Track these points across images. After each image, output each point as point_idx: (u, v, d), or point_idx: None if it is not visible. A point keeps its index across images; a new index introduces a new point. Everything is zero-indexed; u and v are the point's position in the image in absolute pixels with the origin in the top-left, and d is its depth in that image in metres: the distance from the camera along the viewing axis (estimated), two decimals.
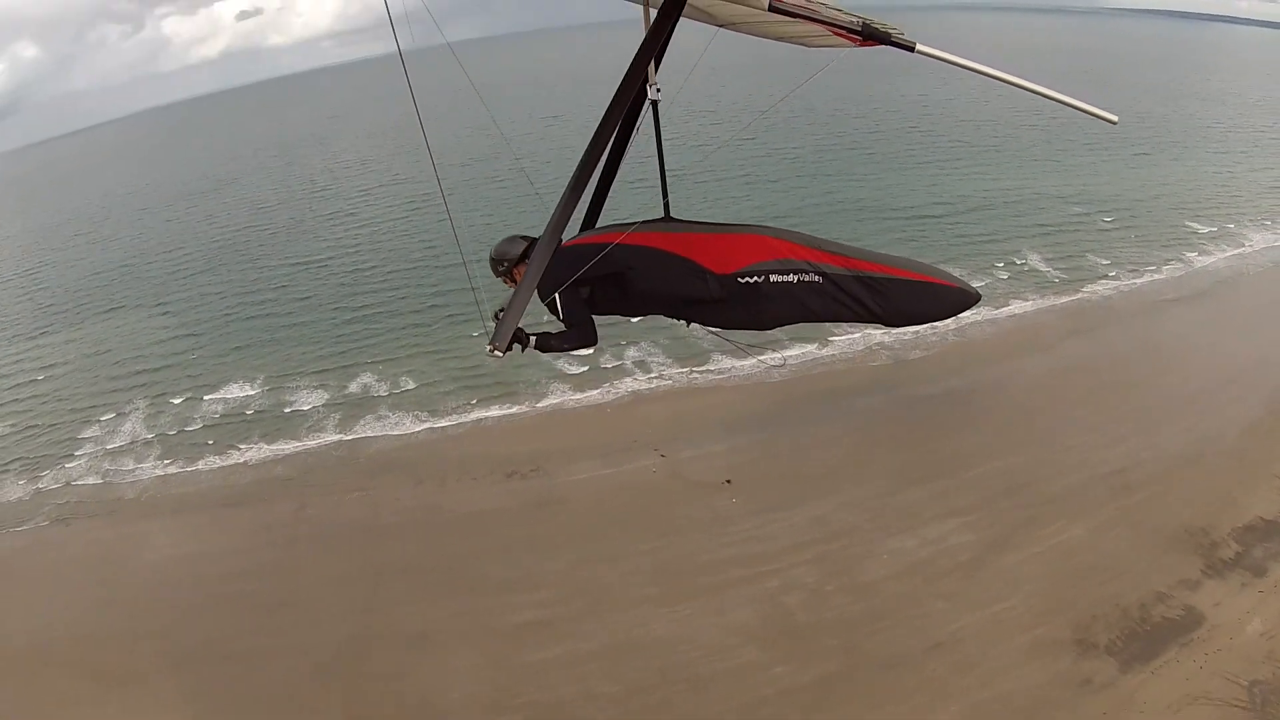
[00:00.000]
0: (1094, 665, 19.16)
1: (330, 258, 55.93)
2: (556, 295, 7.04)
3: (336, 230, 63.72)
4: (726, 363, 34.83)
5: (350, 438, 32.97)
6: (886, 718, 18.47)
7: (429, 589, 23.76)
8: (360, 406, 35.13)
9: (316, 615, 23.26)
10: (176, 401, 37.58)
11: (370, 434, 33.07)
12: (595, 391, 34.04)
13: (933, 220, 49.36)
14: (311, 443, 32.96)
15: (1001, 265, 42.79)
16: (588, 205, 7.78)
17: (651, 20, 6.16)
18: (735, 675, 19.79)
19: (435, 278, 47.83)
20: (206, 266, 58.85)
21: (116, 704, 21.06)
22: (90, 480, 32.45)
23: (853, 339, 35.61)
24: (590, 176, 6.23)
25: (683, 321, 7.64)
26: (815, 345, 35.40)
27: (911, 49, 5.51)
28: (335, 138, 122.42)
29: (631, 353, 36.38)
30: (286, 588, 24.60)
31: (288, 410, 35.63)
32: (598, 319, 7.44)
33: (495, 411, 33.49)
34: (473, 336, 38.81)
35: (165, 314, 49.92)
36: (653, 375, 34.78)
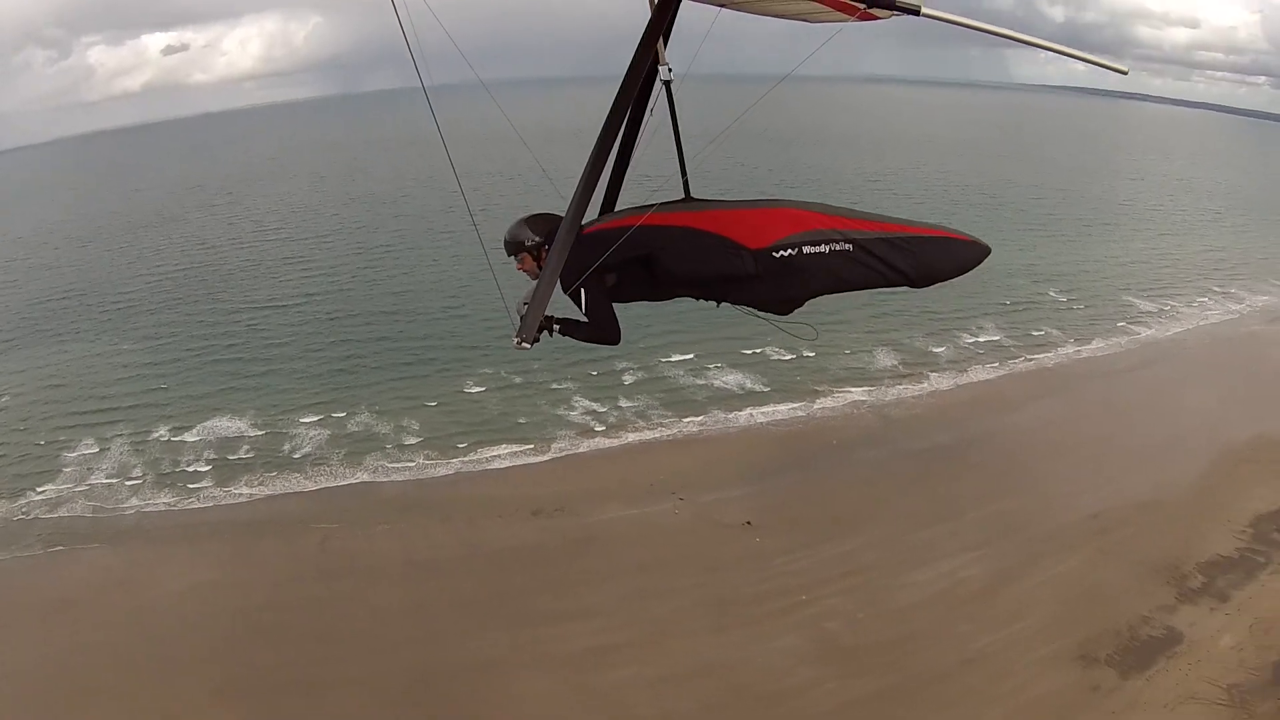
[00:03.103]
0: (1100, 674, 23.73)
1: (298, 303, 58.16)
2: (581, 286, 7.14)
3: (298, 275, 65.88)
4: (720, 413, 39.68)
5: (362, 476, 35.54)
6: None
7: (481, 620, 26.32)
8: (364, 445, 37.62)
9: (369, 647, 25.21)
10: (160, 435, 39.25)
11: (382, 473, 35.71)
12: (602, 438, 37.87)
13: (896, 295, 54.53)
14: (321, 478, 35.42)
15: (965, 335, 49.20)
16: (605, 189, 7.84)
17: (656, 0, 6.33)
18: (798, 692, 23.39)
19: (419, 328, 51.23)
20: (162, 303, 60.38)
21: None
22: (79, 508, 33.90)
23: (834, 397, 41.12)
24: (605, 160, 6.54)
25: (712, 302, 7.67)
26: (803, 402, 40.69)
27: (917, 12, 5.61)
28: (277, 181, 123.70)
29: (627, 403, 40.57)
30: (328, 619, 26.49)
31: (286, 447, 37.90)
32: (622, 309, 7.60)
33: (504, 452, 36.80)
34: (469, 393, 42.50)
35: (127, 348, 51.25)
36: (655, 425, 38.89)
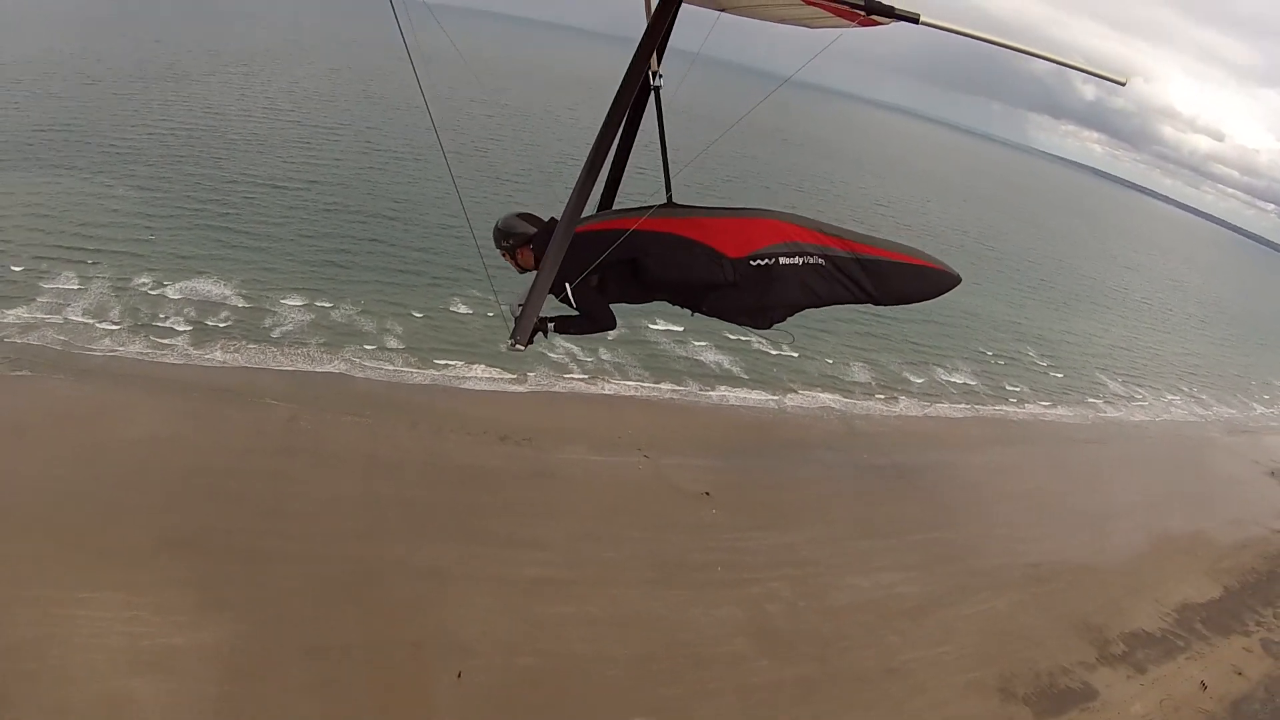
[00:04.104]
0: (1015, 710, 25.06)
1: (298, 188, 58.08)
2: (568, 286, 7.32)
3: (302, 160, 65.70)
4: (695, 386, 40.94)
5: (338, 366, 36.02)
6: None
7: (434, 528, 26.86)
8: (345, 338, 38.11)
9: (321, 530, 25.63)
10: (142, 284, 39.33)
11: (357, 368, 36.23)
12: (578, 382, 38.84)
13: (889, 320, 56.22)
14: (298, 360, 35.84)
15: (940, 372, 51.00)
16: (602, 190, 8.04)
17: (653, 6, 6.45)
18: (729, 661, 24.38)
19: (415, 238, 51.50)
20: (162, 157, 59.91)
21: (104, 575, 22.45)
22: (49, 338, 33.87)
23: (807, 397, 42.58)
24: (602, 163, 6.64)
25: (688, 310, 7.91)
26: (775, 395, 42.10)
27: (916, 20, 5.74)
28: (294, 64, 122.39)
29: (608, 356, 41.47)
30: (285, 496, 26.83)
31: (267, 322, 38.23)
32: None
33: (481, 374, 37.58)
34: (456, 310, 43.12)
35: (119, 192, 50.98)
36: (630, 382, 39.97)
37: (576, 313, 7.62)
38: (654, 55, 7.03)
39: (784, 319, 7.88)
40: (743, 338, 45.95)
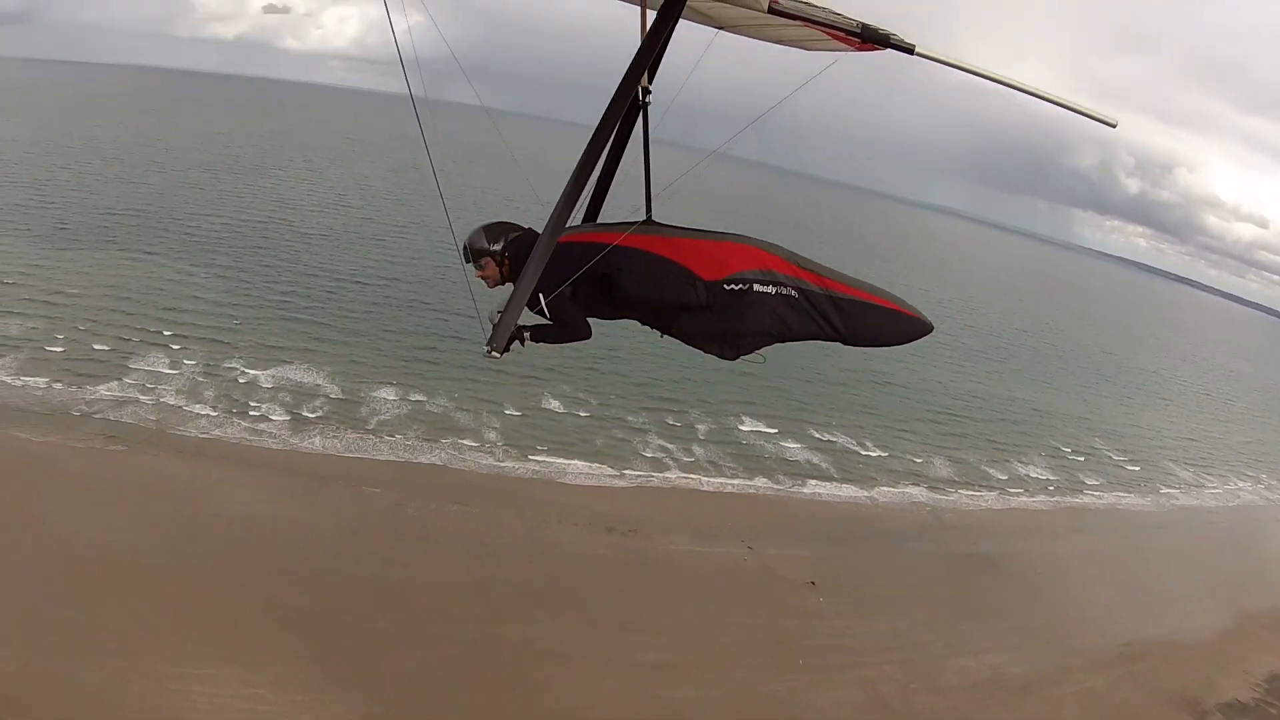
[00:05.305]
0: None
1: (380, 283, 61.21)
2: (542, 298, 7.22)
3: (382, 256, 69.39)
4: (788, 482, 42.60)
5: (439, 456, 37.71)
6: None
7: (549, 613, 28.15)
8: (443, 430, 39.90)
9: (436, 612, 26.88)
10: (231, 367, 41.81)
11: (458, 460, 37.85)
12: (676, 476, 40.63)
13: (966, 420, 59.47)
14: (398, 450, 37.60)
15: (1019, 466, 52.90)
16: (588, 202, 7.98)
17: (649, 22, 6.41)
18: None
19: None
20: (240, 246, 63.43)
21: (218, 649, 23.16)
22: (144, 415, 35.90)
23: (895, 491, 44.26)
24: (589, 174, 6.57)
25: (658, 331, 7.86)
26: (864, 489, 43.79)
27: (911, 51, 5.85)
28: (357, 161, 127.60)
29: (702, 453, 43.34)
30: (397, 578, 28.14)
31: (363, 411, 40.31)
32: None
33: (581, 468, 39.33)
34: (549, 408, 45.10)
35: (199, 279, 54.28)
36: (727, 476, 41.76)
37: (551, 323, 7.54)
38: (646, 73, 6.99)
39: (751, 350, 7.78)
40: (829, 437, 48.42)
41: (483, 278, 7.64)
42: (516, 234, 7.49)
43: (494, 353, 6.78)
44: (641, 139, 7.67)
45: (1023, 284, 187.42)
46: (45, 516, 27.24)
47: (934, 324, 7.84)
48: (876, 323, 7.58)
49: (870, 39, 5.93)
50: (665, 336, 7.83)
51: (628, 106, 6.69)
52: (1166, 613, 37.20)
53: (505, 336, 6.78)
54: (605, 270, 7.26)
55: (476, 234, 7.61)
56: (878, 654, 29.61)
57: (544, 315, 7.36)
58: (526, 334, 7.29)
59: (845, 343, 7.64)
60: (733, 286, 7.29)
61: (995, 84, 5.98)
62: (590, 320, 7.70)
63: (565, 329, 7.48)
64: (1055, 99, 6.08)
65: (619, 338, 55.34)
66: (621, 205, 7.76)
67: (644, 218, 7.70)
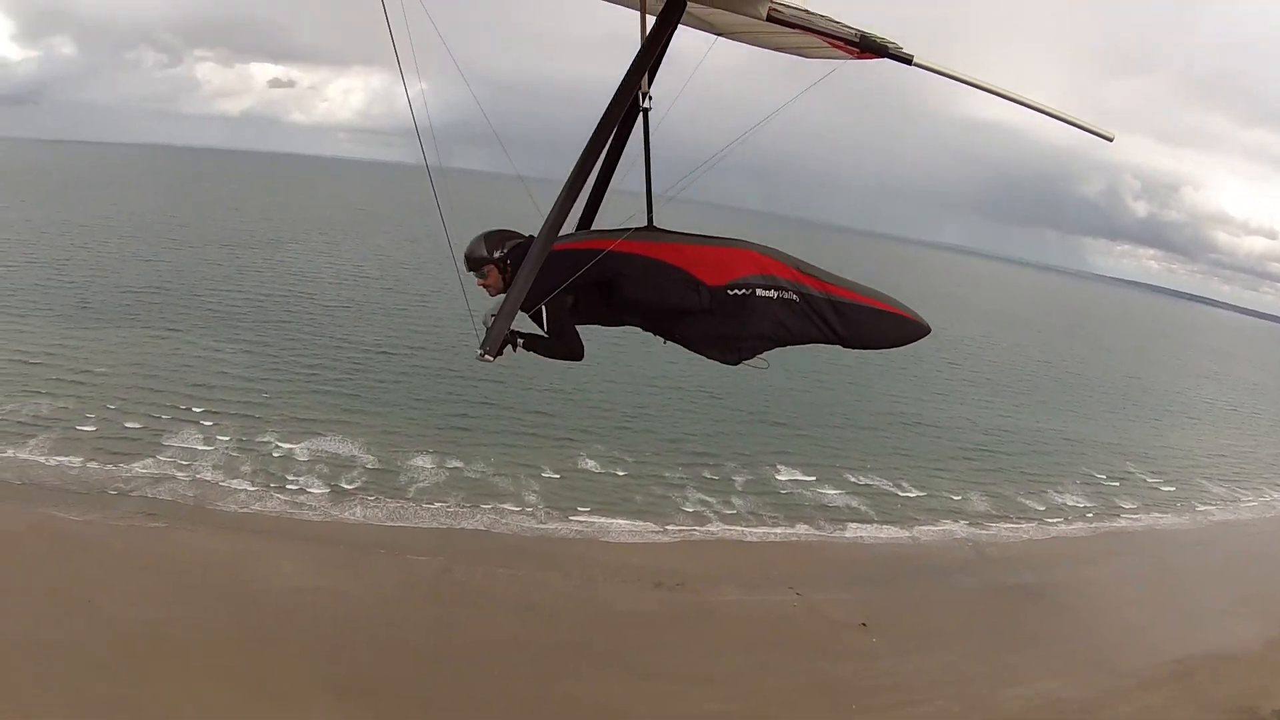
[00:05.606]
0: None
1: (405, 352, 62.25)
2: (543, 304, 7.25)
3: (405, 325, 70.45)
4: (829, 527, 43.10)
5: (480, 521, 38.09)
6: None
7: (600, 669, 28.35)
8: (483, 495, 40.28)
9: (486, 674, 26.99)
10: (265, 441, 42.41)
11: (500, 524, 38.20)
12: (718, 528, 41.08)
13: (1000, 454, 60.03)
14: (440, 515, 38.06)
15: (1054, 495, 53.17)
16: (583, 208, 7.94)
17: (649, 27, 6.48)
18: None
19: (530, 402, 53.95)
20: (263, 320, 64.78)
21: (262, 717, 23.60)
22: (181, 491, 36.39)
23: (935, 529, 44.85)
24: (585, 180, 6.57)
25: (660, 337, 7.90)
26: (904, 528, 44.43)
27: (909, 61, 5.91)
28: (371, 232, 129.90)
29: (741, 504, 43.82)
30: (447, 643, 28.33)
31: (402, 479, 40.71)
32: (581, 328, 7.78)
33: (624, 525, 39.69)
34: (586, 468, 45.57)
35: (225, 355, 55.35)
36: (768, 524, 42.22)
37: (546, 334, 7.57)
38: (646, 76, 7.03)
39: (752, 354, 7.83)
40: (866, 481, 48.98)
41: (485, 286, 7.68)
42: (517, 241, 7.53)
43: (486, 356, 6.85)
44: (643, 145, 7.76)
45: (1039, 316, 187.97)
46: (89, 594, 27.51)
47: (930, 326, 8.00)
48: (875, 325, 7.71)
49: (869, 48, 6.04)
50: (668, 343, 7.93)
51: (625, 111, 6.75)
52: (1213, 627, 37.35)
53: (498, 340, 6.86)
54: (608, 277, 7.33)
55: (477, 242, 7.68)
56: (932, 689, 29.84)
57: (541, 324, 7.43)
58: (520, 340, 7.38)
59: (844, 345, 7.78)
60: (736, 291, 7.37)
61: (992, 95, 6.03)
62: (599, 326, 7.91)
63: (558, 342, 7.55)
64: (1051, 111, 6.13)
65: (647, 395, 57.14)
66: (623, 213, 7.79)
67: (645, 224, 7.85)
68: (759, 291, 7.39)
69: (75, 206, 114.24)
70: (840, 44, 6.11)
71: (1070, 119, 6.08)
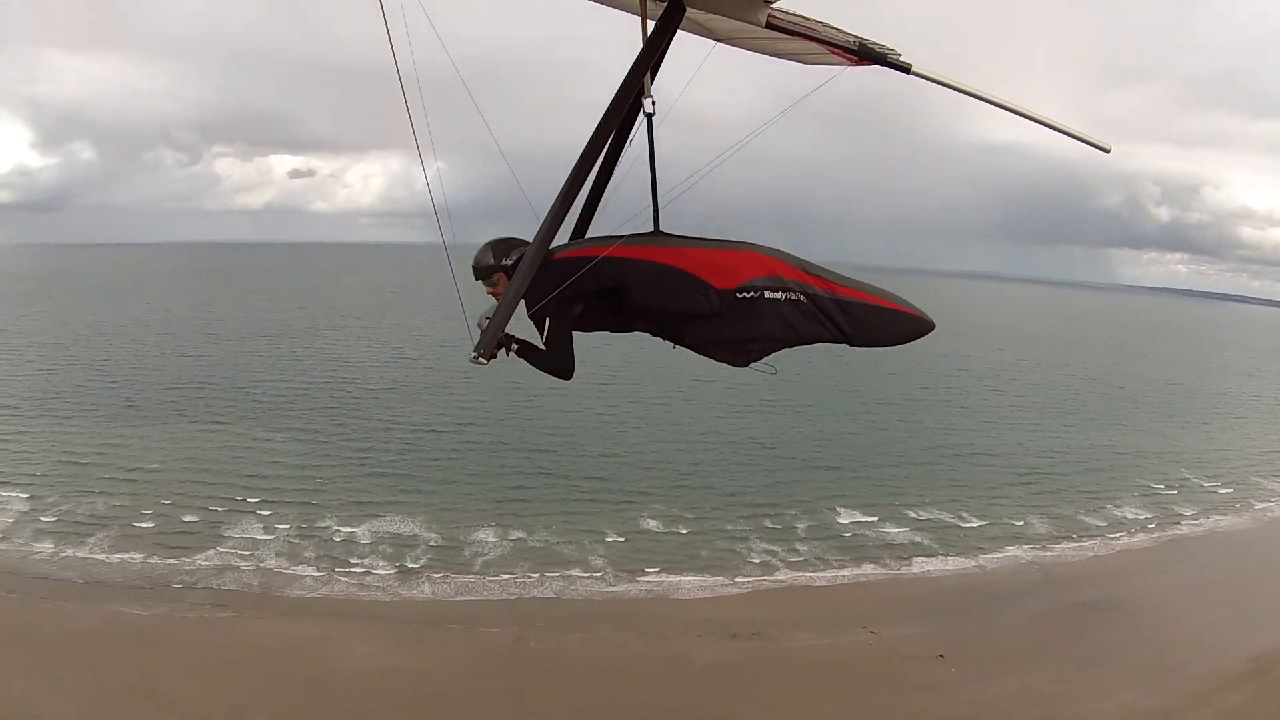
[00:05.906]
0: None
1: (453, 429, 63.20)
2: (545, 311, 7.40)
3: (450, 402, 71.61)
4: (895, 564, 43.58)
5: (550, 589, 38.55)
6: None
7: None
8: (549, 563, 40.82)
9: None
10: (325, 525, 43.17)
11: (570, 590, 38.70)
12: (786, 575, 41.53)
13: (1057, 476, 60.52)
14: (509, 586, 38.53)
15: (1113, 509, 53.56)
16: (578, 216, 8.01)
17: (649, 32, 6.59)
18: None
19: (583, 468, 55.06)
20: (309, 408, 66.31)
21: None
22: (246, 580, 37.09)
23: (1000, 555, 45.31)
24: (581, 186, 6.70)
25: (669, 342, 7.98)
26: (969, 557, 44.87)
27: (907, 70, 5.93)
28: (406, 313, 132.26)
29: (806, 549, 44.34)
30: (527, 712, 28.45)
31: (467, 553, 41.27)
32: (588, 335, 7.91)
33: (693, 580, 40.15)
34: (649, 528, 46.34)
35: (276, 444, 56.54)
36: (834, 567, 42.68)
37: (543, 346, 7.63)
38: (649, 83, 7.11)
39: (761, 356, 7.91)
40: (926, 515, 49.61)
41: (494, 294, 7.71)
42: (524, 248, 7.45)
43: (480, 358, 6.97)
44: (648, 150, 7.73)
45: (1074, 332, 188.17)
46: (165, 688, 27.85)
47: (935, 322, 8.13)
48: (881, 322, 7.81)
49: (867, 56, 6.19)
50: (677, 348, 8.02)
51: (623, 115, 6.95)
52: None
53: (492, 343, 6.99)
54: (616, 283, 7.38)
55: (484, 251, 7.82)
56: (1014, 713, 30.03)
57: (540, 331, 7.61)
58: (514, 345, 7.44)
59: (851, 344, 7.86)
60: (744, 295, 7.41)
61: (991, 106, 6.19)
62: (607, 332, 8.10)
63: (551, 353, 7.59)
64: (1048, 121, 6.21)
65: (700, 452, 58.51)
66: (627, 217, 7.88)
67: (651, 229, 7.80)
68: (767, 294, 7.48)
69: (108, 307, 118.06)
70: (839, 51, 6.33)
71: (1067, 130, 6.22)
